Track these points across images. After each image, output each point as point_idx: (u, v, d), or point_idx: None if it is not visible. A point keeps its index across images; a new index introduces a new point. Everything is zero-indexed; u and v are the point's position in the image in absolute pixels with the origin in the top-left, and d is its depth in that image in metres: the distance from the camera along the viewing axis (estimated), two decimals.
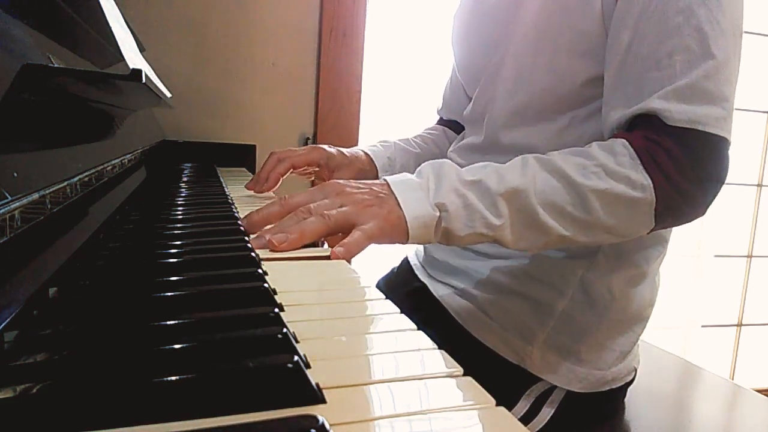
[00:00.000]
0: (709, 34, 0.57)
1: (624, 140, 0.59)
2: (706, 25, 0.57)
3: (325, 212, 0.54)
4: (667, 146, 0.57)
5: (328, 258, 0.51)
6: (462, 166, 0.78)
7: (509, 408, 0.70)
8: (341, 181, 0.60)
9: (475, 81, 0.81)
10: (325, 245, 0.57)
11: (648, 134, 0.59)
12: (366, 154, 0.90)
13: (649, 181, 0.57)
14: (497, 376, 0.72)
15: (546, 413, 0.71)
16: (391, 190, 0.57)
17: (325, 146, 0.87)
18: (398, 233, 0.56)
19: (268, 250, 0.52)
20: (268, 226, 0.57)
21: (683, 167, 0.57)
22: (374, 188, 0.58)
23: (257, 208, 0.59)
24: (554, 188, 0.58)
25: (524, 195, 0.57)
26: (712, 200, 0.61)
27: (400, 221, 0.55)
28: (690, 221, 0.64)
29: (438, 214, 0.56)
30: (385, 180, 0.59)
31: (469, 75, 0.85)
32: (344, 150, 0.88)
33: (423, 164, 0.61)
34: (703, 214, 0.62)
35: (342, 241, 0.53)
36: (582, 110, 0.68)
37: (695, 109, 0.57)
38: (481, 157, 0.77)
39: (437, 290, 0.81)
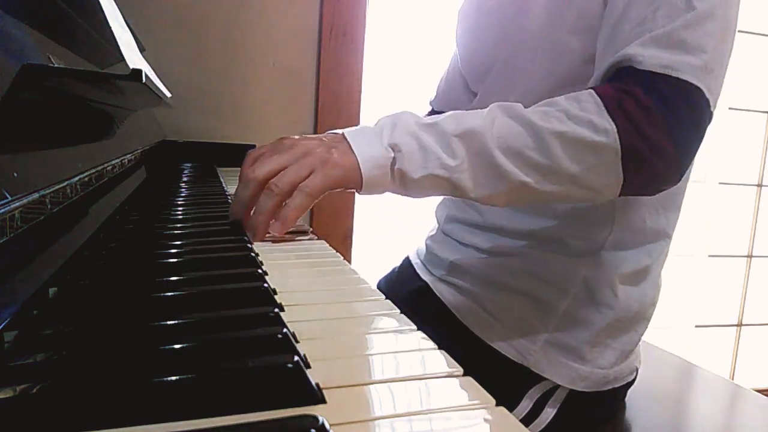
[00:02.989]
0: None
1: (591, 90, 0.58)
2: None
3: (272, 181, 0.53)
4: (635, 93, 0.56)
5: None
6: None
7: (511, 407, 0.71)
8: (293, 136, 0.58)
9: (483, 74, 0.81)
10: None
11: (617, 84, 0.58)
12: None
13: (613, 125, 0.55)
14: (500, 375, 0.72)
15: (548, 413, 0.71)
16: (344, 136, 0.56)
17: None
18: (350, 176, 0.54)
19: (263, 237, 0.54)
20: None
21: (652, 114, 0.56)
22: (325, 138, 0.57)
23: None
24: (514, 131, 0.56)
25: (481, 136, 0.56)
26: (689, 159, 0.59)
27: (352, 164, 0.54)
28: (665, 183, 0.61)
29: (392, 155, 0.55)
30: (341, 132, 0.58)
31: (475, 69, 0.85)
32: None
33: (382, 117, 0.60)
34: (679, 175, 0.60)
35: (278, 213, 0.52)
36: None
37: (669, 56, 0.56)
38: None
39: (439, 289, 0.81)
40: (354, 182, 0.55)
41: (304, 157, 0.54)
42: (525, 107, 0.72)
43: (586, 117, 0.56)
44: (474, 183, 0.57)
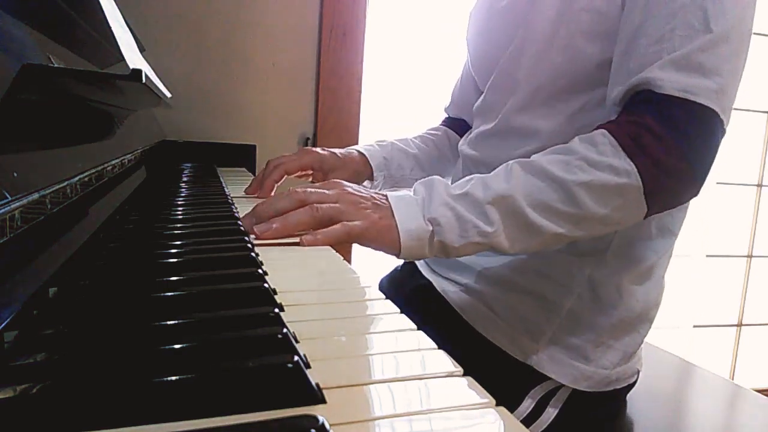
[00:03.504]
0: (710, 11, 0.58)
1: (604, 130, 0.60)
2: (708, 3, 0.58)
3: (316, 204, 0.57)
4: (649, 125, 0.58)
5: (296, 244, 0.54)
6: (474, 157, 0.79)
7: (513, 407, 0.71)
8: (345, 182, 0.62)
9: (489, 72, 0.81)
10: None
11: (630, 116, 0.60)
12: (361, 153, 0.90)
13: (632, 165, 0.58)
14: (502, 373, 0.72)
15: (549, 414, 0.71)
16: (389, 202, 0.59)
17: (318, 149, 0.87)
18: (388, 242, 0.58)
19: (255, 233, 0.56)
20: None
21: (667, 143, 0.58)
22: (374, 196, 0.61)
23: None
24: (540, 188, 0.59)
25: (511, 199, 0.59)
26: (704, 176, 0.61)
27: (391, 231, 0.58)
28: (686, 201, 0.64)
29: (431, 228, 0.58)
30: (385, 194, 0.61)
31: (483, 68, 0.85)
32: (337, 151, 0.88)
33: (416, 183, 0.63)
34: (697, 192, 0.63)
35: (315, 231, 0.55)
36: (595, 94, 0.69)
37: (687, 80, 0.58)
38: (491, 143, 0.77)
39: (442, 287, 0.81)
40: (391, 248, 0.58)
41: (353, 205, 0.58)
42: (530, 107, 0.73)
43: (605, 161, 0.58)
44: (511, 242, 0.60)
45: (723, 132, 0.60)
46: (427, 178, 0.63)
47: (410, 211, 0.59)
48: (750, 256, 2.22)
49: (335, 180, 0.63)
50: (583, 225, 0.60)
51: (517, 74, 0.74)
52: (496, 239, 0.59)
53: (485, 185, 0.60)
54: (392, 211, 0.58)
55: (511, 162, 0.62)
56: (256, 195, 0.84)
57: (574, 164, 0.59)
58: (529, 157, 0.63)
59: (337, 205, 0.58)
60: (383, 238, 0.57)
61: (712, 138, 0.60)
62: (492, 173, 0.62)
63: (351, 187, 0.61)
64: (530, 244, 0.61)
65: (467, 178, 0.63)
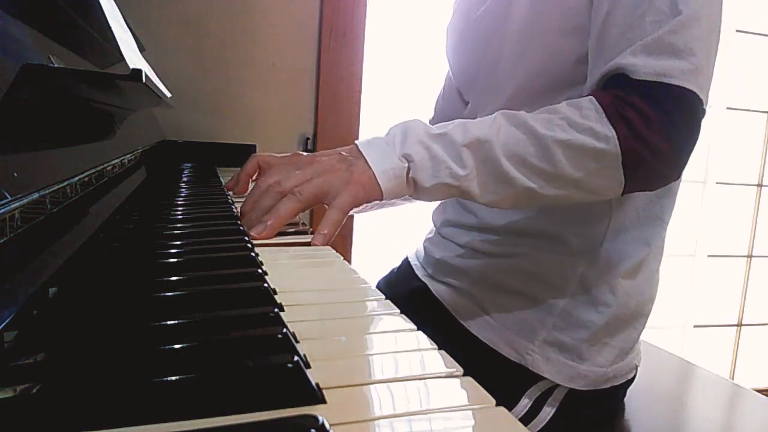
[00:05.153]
0: None
1: (592, 96, 0.60)
2: None
3: (296, 189, 0.56)
4: (633, 102, 0.58)
5: (308, 244, 0.54)
6: None
7: (510, 407, 0.71)
8: (306, 153, 0.62)
9: (472, 81, 0.81)
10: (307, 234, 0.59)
11: (616, 92, 0.60)
12: None
13: (613, 132, 0.58)
14: (498, 374, 0.72)
15: (547, 413, 0.71)
16: (360, 151, 0.59)
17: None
18: (372, 191, 0.58)
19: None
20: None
21: (650, 120, 0.58)
22: (343, 152, 0.60)
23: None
24: (518, 140, 0.59)
25: (488, 145, 0.59)
26: (686, 158, 0.62)
27: (371, 180, 0.58)
28: (666, 180, 0.64)
29: (406, 164, 0.58)
30: (354, 144, 0.61)
31: (465, 78, 0.85)
32: None
33: (392, 126, 0.62)
34: (679, 175, 0.63)
35: (318, 229, 0.55)
36: (574, 94, 0.68)
37: (661, 63, 0.58)
38: None
39: (437, 290, 0.82)
40: (375, 196, 0.58)
41: (327, 173, 0.57)
42: (515, 108, 0.73)
43: (587, 124, 0.58)
44: (482, 189, 0.60)
45: (704, 113, 0.60)
46: (405, 120, 0.63)
47: (383, 152, 0.59)
48: (750, 256, 2.22)
49: (295, 153, 0.62)
50: (556, 183, 0.60)
51: (497, 78, 0.75)
52: (467, 183, 0.59)
53: (465, 129, 0.60)
54: (365, 159, 0.58)
55: (497, 112, 0.62)
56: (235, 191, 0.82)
57: (556, 122, 0.59)
58: None
59: (315, 180, 0.57)
60: (366, 191, 0.57)
61: (695, 119, 0.60)
62: (476, 120, 0.62)
63: (318, 154, 0.61)
64: (501, 194, 0.60)
65: (450, 122, 0.63)
